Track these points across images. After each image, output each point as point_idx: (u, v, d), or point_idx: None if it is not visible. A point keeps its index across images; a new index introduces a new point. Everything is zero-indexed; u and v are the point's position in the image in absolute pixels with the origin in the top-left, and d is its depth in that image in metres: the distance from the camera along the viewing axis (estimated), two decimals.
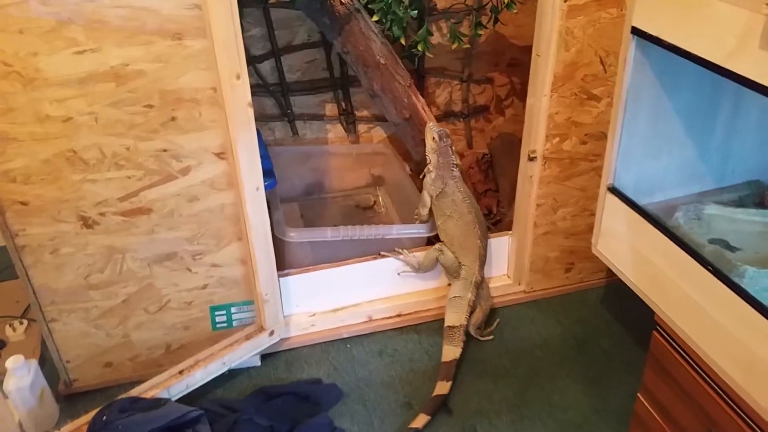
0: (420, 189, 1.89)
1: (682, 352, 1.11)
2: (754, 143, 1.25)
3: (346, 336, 1.64)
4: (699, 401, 1.08)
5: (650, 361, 1.19)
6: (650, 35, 0.99)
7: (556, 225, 1.63)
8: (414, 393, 1.49)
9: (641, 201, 1.19)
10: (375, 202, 2.09)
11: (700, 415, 1.08)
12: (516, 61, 2.09)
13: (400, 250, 1.62)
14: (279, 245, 1.54)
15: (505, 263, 1.73)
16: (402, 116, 1.61)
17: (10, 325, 1.64)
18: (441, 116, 2.11)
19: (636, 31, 1.03)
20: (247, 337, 1.50)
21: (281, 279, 1.54)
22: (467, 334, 1.58)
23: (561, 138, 1.50)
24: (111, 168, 1.26)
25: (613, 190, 1.19)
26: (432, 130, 1.59)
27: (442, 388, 1.47)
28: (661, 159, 1.20)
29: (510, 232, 1.70)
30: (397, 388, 1.51)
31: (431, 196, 1.61)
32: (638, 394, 1.24)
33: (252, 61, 1.82)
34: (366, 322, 1.66)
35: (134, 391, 1.34)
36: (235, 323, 1.52)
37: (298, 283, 1.59)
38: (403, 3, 1.48)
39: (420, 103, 1.70)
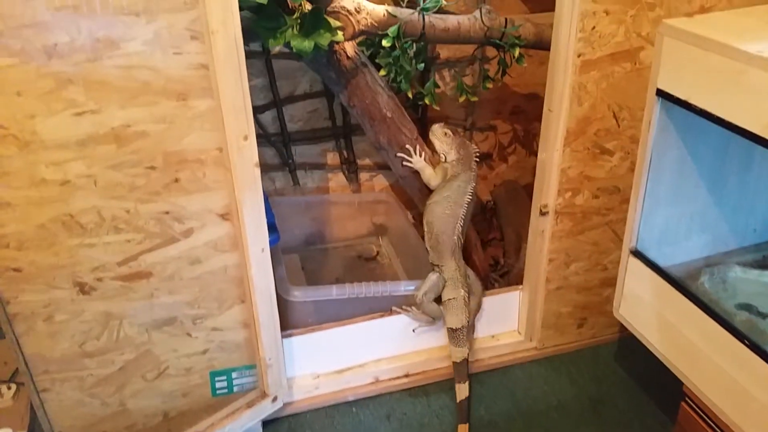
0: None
1: (714, 427, 1.05)
2: None
3: (351, 399, 1.57)
4: None
5: None
6: (677, 98, 0.96)
7: (568, 280, 1.59)
8: None
9: (664, 263, 1.15)
10: (378, 252, 2.04)
11: None
12: (519, 109, 2.07)
13: (408, 308, 1.56)
14: (282, 303, 1.48)
15: (516, 319, 1.68)
16: (409, 169, 1.57)
17: None
18: None
19: (661, 93, 1.00)
20: (249, 405, 1.43)
21: (284, 340, 1.48)
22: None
23: (573, 192, 1.47)
24: (110, 232, 1.20)
25: (636, 254, 1.15)
26: (440, 128, 1.52)
27: (462, 391, 1.50)
28: (684, 220, 1.16)
29: (520, 286, 1.65)
30: None
31: (446, 174, 1.54)
32: None
33: (253, 111, 1.77)
34: (372, 383, 1.59)
35: None
36: (236, 389, 1.45)
37: (301, 343, 1.53)
38: (409, 55, 1.45)
39: (426, 154, 1.67)
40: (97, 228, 1.19)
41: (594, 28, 1.28)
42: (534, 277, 1.58)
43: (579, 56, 1.30)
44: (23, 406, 1.53)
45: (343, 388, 1.58)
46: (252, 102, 1.17)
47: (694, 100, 0.93)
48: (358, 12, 1.33)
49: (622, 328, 1.69)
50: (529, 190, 2.12)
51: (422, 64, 1.48)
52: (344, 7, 1.31)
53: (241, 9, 1.08)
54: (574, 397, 1.58)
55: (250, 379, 1.45)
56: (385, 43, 1.38)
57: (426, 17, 1.40)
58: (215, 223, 1.26)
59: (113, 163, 1.15)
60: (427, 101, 1.55)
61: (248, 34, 1.13)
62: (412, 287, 1.58)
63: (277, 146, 1.90)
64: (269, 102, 1.83)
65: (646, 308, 1.15)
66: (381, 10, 1.38)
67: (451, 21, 1.44)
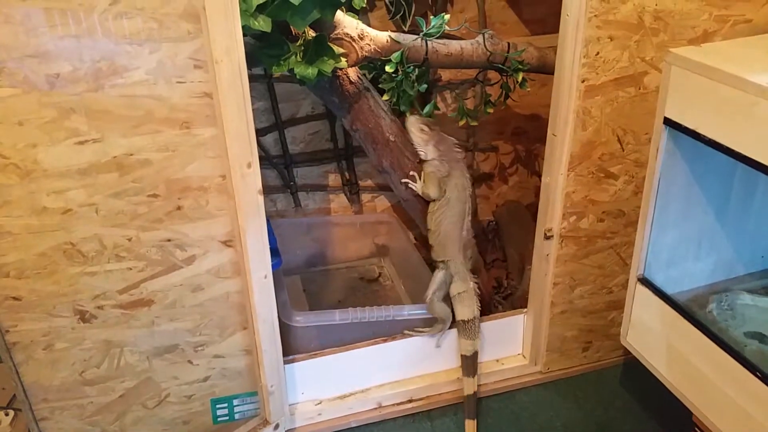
0: (428, 262, 1.84)
1: None
2: None
3: (354, 425, 1.55)
4: None
5: None
6: (685, 128, 0.95)
7: (573, 303, 1.57)
8: None
9: (671, 289, 1.14)
10: (380, 273, 2.02)
11: None
12: (521, 130, 2.07)
13: (420, 330, 1.55)
14: (284, 328, 1.46)
15: (520, 343, 1.67)
16: (412, 192, 1.56)
17: None
18: None
19: (669, 122, 0.99)
20: None
21: (286, 366, 1.46)
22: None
23: (578, 216, 1.46)
24: (111, 260, 1.19)
25: (644, 281, 1.14)
26: (416, 122, 1.46)
27: (469, 386, 1.48)
28: (692, 246, 1.16)
29: (524, 310, 1.63)
30: None
31: (440, 178, 1.49)
32: None
33: (255, 134, 1.77)
34: (376, 409, 1.57)
35: None
36: (237, 416, 1.43)
37: (304, 369, 1.51)
38: (412, 79, 1.45)
39: None
40: (99, 256, 1.18)
41: (598, 53, 1.27)
42: (539, 300, 1.57)
43: (583, 81, 1.30)
44: None
45: (346, 414, 1.55)
46: (254, 125, 1.16)
47: (702, 130, 0.92)
48: (361, 38, 1.33)
49: (627, 351, 1.67)
50: (531, 210, 2.12)
51: (425, 86, 1.47)
52: (348, 34, 1.31)
53: (244, 35, 1.08)
54: (580, 422, 1.56)
55: (251, 406, 1.43)
56: (388, 68, 1.37)
57: (429, 43, 1.40)
58: (218, 250, 1.25)
59: (115, 191, 1.14)
60: None
61: (251, 59, 1.13)
62: (416, 311, 1.57)
63: (279, 168, 1.89)
64: (271, 124, 1.82)
65: (654, 336, 1.14)
66: (384, 36, 1.38)
67: (453, 46, 1.44)
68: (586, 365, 1.69)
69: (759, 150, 0.83)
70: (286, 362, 1.45)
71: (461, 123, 1.65)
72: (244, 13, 1.09)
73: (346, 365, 1.54)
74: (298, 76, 1.25)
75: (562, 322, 1.59)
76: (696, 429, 1.09)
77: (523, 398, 1.63)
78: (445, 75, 1.87)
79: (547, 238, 1.47)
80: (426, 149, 1.50)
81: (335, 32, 1.30)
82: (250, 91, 1.36)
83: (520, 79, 1.48)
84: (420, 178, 1.53)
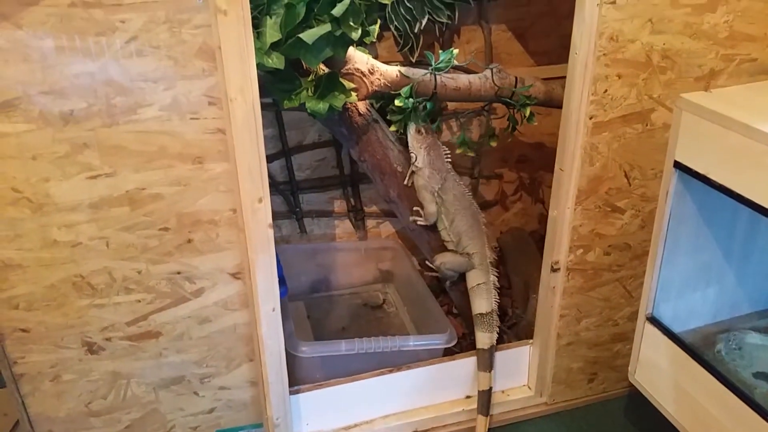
0: (432, 288, 1.85)
1: None
2: None
3: None
4: None
5: None
6: (696, 172, 0.96)
7: (579, 335, 1.57)
8: None
9: (679, 327, 1.14)
10: (384, 300, 2.02)
11: None
12: (525, 158, 2.08)
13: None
14: (289, 358, 1.46)
15: (525, 374, 1.66)
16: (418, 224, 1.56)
17: None
18: None
19: (679, 165, 1.00)
20: None
21: (291, 396, 1.45)
22: None
23: (585, 249, 1.46)
24: (120, 292, 1.19)
25: (653, 320, 1.14)
26: (415, 124, 1.47)
27: (485, 381, 1.49)
28: (700, 285, 1.16)
29: (530, 341, 1.63)
30: None
31: (433, 193, 1.51)
32: None
33: None
34: None
35: None
36: None
37: (309, 400, 1.50)
38: (420, 112, 1.46)
39: None
40: (108, 288, 1.19)
41: (606, 91, 1.29)
42: (545, 332, 1.57)
43: (591, 118, 1.31)
44: None
45: None
46: None
47: (713, 175, 0.93)
48: (371, 73, 1.34)
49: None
50: (535, 237, 2.13)
51: (436, 123, 1.48)
52: (358, 69, 1.32)
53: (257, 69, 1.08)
54: None
55: None
56: (397, 102, 1.38)
57: (437, 77, 1.41)
58: (226, 282, 1.25)
59: (126, 225, 1.14)
60: None
61: (262, 90, 1.13)
62: (422, 342, 1.57)
63: (285, 194, 1.90)
64: (278, 151, 1.83)
65: (662, 375, 1.14)
66: (394, 71, 1.39)
67: (462, 80, 1.45)
68: (591, 397, 1.69)
69: None
70: (291, 392, 1.45)
71: (458, 151, 1.66)
72: (258, 50, 1.10)
73: (351, 396, 1.53)
74: (309, 111, 1.26)
75: (568, 354, 1.59)
76: None
77: (528, 429, 1.62)
78: (452, 105, 1.88)
79: (554, 270, 1.48)
80: (417, 152, 1.50)
81: (346, 67, 1.31)
82: None
83: (527, 114, 1.49)
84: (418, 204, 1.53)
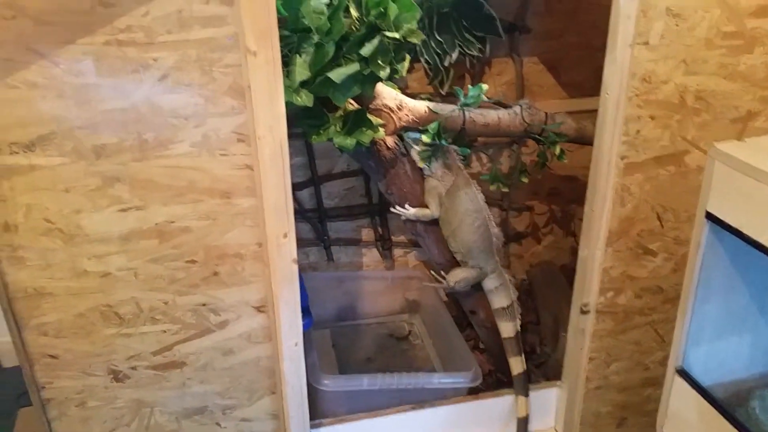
0: (457, 320, 1.83)
1: None
2: None
3: None
4: None
5: None
6: (728, 225, 0.93)
7: (608, 379, 1.53)
8: None
9: (710, 380, 1.10)
10: (410, 331, 2.00)
11: None
12: (556, 191, 2.05)
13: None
14: (311, 390, 1.46)
15: (553, 416, 1.62)
16: (445, 257, 1.55)
17: None
18: None
19: (710, 217, 0.97)
20: None
21: (312, 430, 1.45)
22: None
23: (615, 292, 1.43)
24: (147, 322, 1.21)
25: (682, 373, 1.10)
26: (410, 135, 1.42)
27: (517, 365, 1.51)
28: (732, 339, 1.12)
29: (558, 382, 1.60)
30: None
31: (440, 193, 1.47)
32: None
33: (292, 188, 1.80)
34: None
35: None
36: None
37: None
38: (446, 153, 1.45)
39: None
40: (135, 318, 1.20)
41: (639, 132, 1.26)
42: (573, 375, 1.53)
43: (622, 159, 1.28)
44: None
45: None
46: (291, 179, 1.17)
47: (746, 230, 0.90)
48: (399, 109, 1.34)
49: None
50: (565, 271, 2.09)
51: (465, 159, 1.47)
52: (386, 105, 1.33)
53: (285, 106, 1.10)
54: None
55: None
56: (425, 138, 1.38)
57: (466, 113, 1.41)
58: (250, 315, 1.26)
59: (155, 256, 1.16)
60: None
61: (291, 123, 1.14)
62: (446, 379, 1.55)
63: (313, 222, 1.91)
64: (307, 179, 1.84)
65: (692, 431, 1.10)
66: (422, 106, 1.39)
67: (491, 116, 1.44)
68: None
69: None
70: (312, 426, 1.44)
71: (492, 188, 1.65)
72: (287, 88, 1.11)
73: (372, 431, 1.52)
74: (336, 146, 1.27)
75: (596, 398, 1.55)
76: None
77: None
78: (481, 138, 1.87)
79: (584, 312, 1.44)
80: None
81: (374, 103, 1.32)
82: (289, 147, 1.40)
83: (557, 151, 1.47)
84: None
